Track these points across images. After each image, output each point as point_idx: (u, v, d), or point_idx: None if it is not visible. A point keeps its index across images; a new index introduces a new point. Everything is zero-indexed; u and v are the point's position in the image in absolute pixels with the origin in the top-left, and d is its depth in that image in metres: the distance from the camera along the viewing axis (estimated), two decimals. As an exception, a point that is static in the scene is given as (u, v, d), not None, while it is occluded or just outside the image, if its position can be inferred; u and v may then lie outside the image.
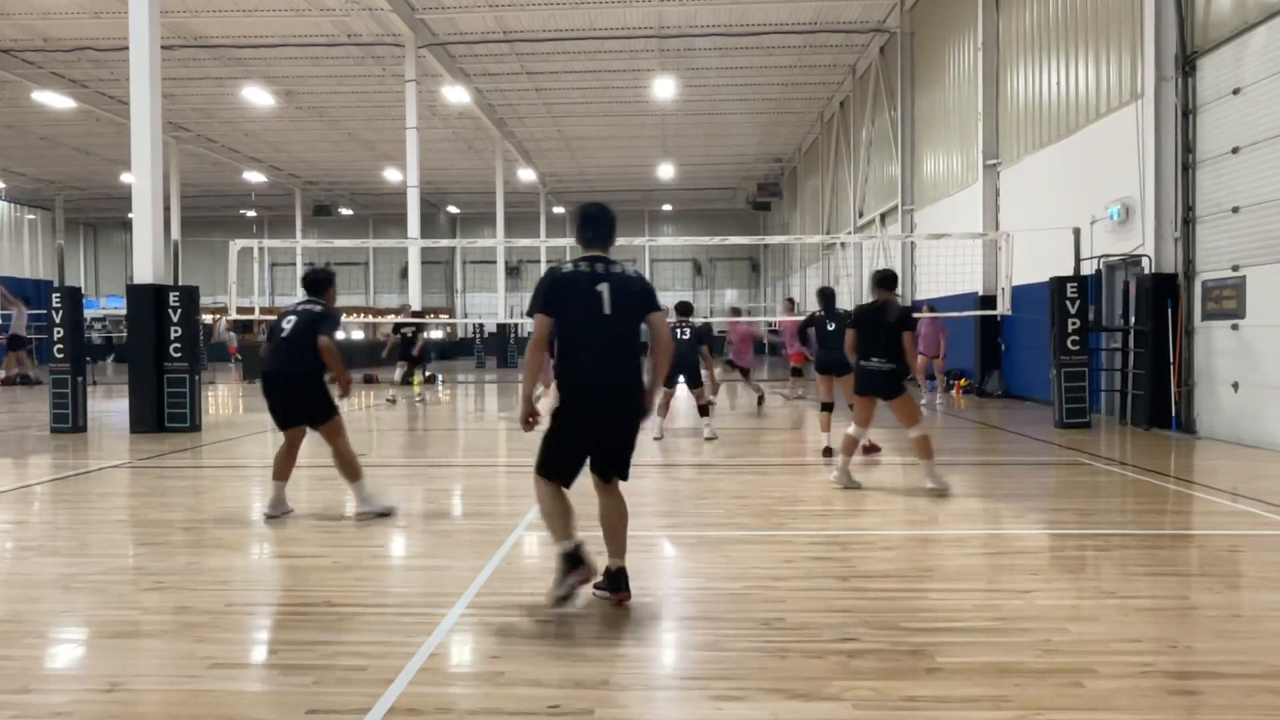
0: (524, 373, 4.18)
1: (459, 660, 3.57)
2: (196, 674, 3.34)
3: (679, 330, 10.72)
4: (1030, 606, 4.08)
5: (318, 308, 6.23)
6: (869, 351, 6.98)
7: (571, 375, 4.02)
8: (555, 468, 4.10)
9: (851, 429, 7.14)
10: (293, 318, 6.14)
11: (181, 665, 3.44)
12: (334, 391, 6.27)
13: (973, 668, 3.33)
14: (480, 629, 3.85)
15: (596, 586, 4.13)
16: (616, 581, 4.11)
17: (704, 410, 10.67)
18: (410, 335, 15.88)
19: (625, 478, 4.20)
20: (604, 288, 4.01)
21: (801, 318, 12.43)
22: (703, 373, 10.82)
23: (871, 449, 8.85)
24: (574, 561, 3.97)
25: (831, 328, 9.07)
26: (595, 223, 4.23)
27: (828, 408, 9.18)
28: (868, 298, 9.14)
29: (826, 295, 9.46)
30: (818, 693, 3.12)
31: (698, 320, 11.47)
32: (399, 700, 3.07)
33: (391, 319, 19.70)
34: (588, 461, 4.15)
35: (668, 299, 16.48)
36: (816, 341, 9.51)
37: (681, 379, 10.74)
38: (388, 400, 15.84)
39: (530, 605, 4.13)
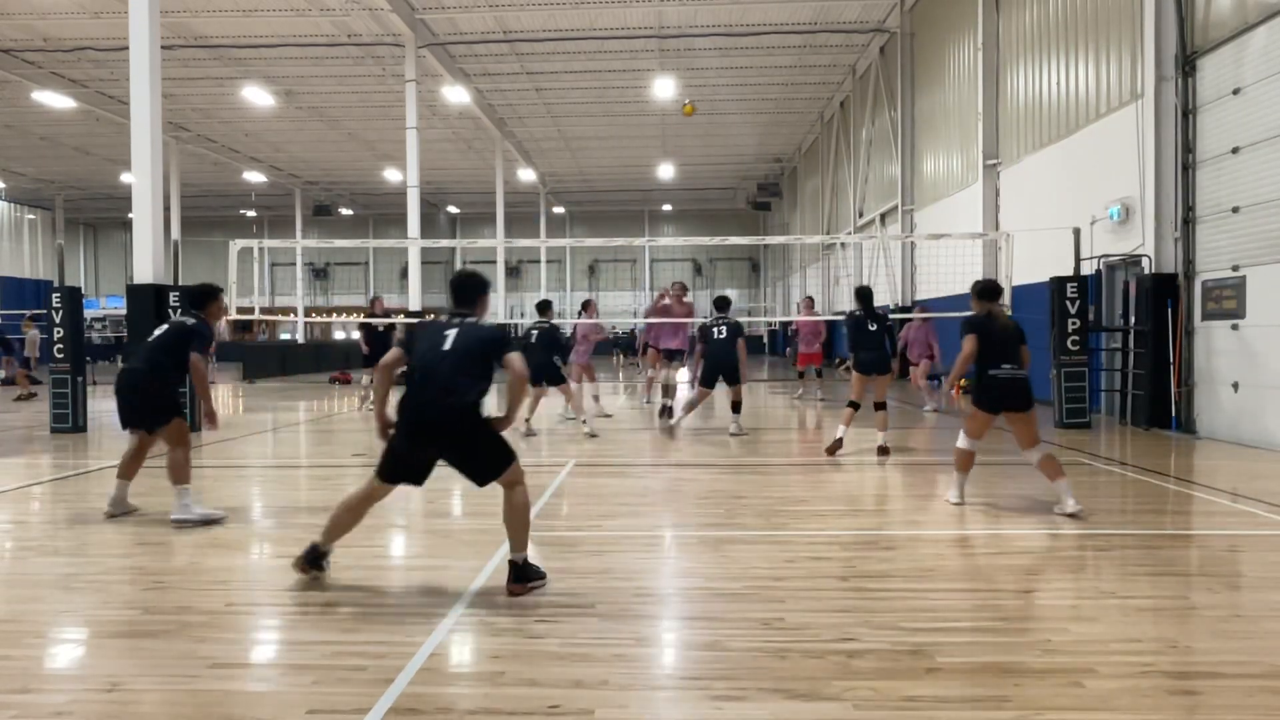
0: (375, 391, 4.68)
1: (459, 660, 3.57)
2: (196, 674, 3.34)
3: (716, 330, 10.56)
4: (1030, 606, 4.08)
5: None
6: (1000, 359, 6.21)
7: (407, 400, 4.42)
8: (384, 470, 4.51)
9: (966, 442, 6.44)
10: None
11: (181, 665, 3.44)
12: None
13: (973, 668, 3.33)
14: (480, 629, 3.85)
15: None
16: (514, 573, 4.36)
17: (735, 407, 10.72)
18: (382, 330, 14.78)
19: (487, 481, 4.45)
20: (451, 332, 4.47)
21: (820, 317, 12.53)
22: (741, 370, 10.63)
23: (883, 451, 8.87)
24: (312, 556, 4.54)
25: (873, 328, 8.87)
26: (456, 289, 4.71)
27: (855, 406, 9.04)
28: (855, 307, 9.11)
29: (865, 295, 9.16)
30: (818, 693, 3.12)
31: (738, 317, 11.37)
32: (399, 700, 3.07)
33: (357, 318, 19.54)
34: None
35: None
36: (854, 341, 9.06)
37: (721, 378, 10.57)
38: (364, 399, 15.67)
39: (530, 605, 4.13)
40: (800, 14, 20.86)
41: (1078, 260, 11.68)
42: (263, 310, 38.27)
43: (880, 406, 9.07)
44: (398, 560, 5.27)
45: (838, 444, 8.88)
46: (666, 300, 12.76)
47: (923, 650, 3.51)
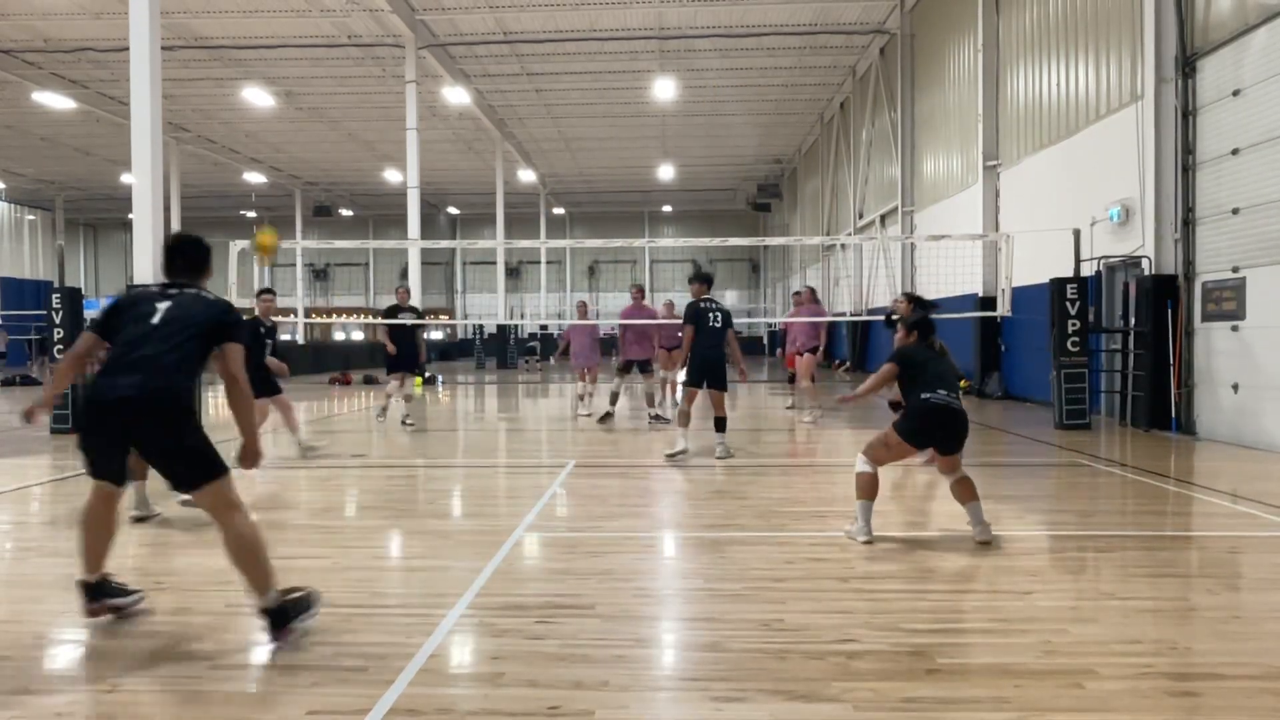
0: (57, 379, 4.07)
1: (459, 661, 3.57)
2: (196, 674, 3.34)
3: (712, 316, 8.92)
4: (1030, 608, 4.08)
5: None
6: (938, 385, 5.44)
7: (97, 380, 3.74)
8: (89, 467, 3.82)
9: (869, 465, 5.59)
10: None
11: (181, 665, 3.44)
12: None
13: (973, 669, 3.33)
14: (480, 629, 3.85)
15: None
16: (271, 619, 3.65)
17: (720, 424, 8.96)
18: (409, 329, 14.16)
19: (187, 490, 3.77)
20: (162, 305, 3.84)
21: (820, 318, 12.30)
22: (728, 369, 9.06)
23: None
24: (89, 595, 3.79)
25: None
26: (169, 254, 4.10)
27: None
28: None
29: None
30: (818, 693, 3.12)
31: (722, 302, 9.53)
32: (399, 700, 3.07)
33: (362, 318, 19.35)
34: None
35: (667, 299, 16.30)
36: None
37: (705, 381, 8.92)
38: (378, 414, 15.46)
39: (530, 605, 4.13)
40: (800, 15, 20.87)
41: (1078, 261, 11.69)
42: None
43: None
44: (398, 560, 5.27)
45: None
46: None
47: (923, 651, 3.51)
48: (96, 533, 3.83)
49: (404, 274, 30.60)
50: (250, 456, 3.89)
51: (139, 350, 3.68)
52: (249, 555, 3.70)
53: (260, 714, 3.00)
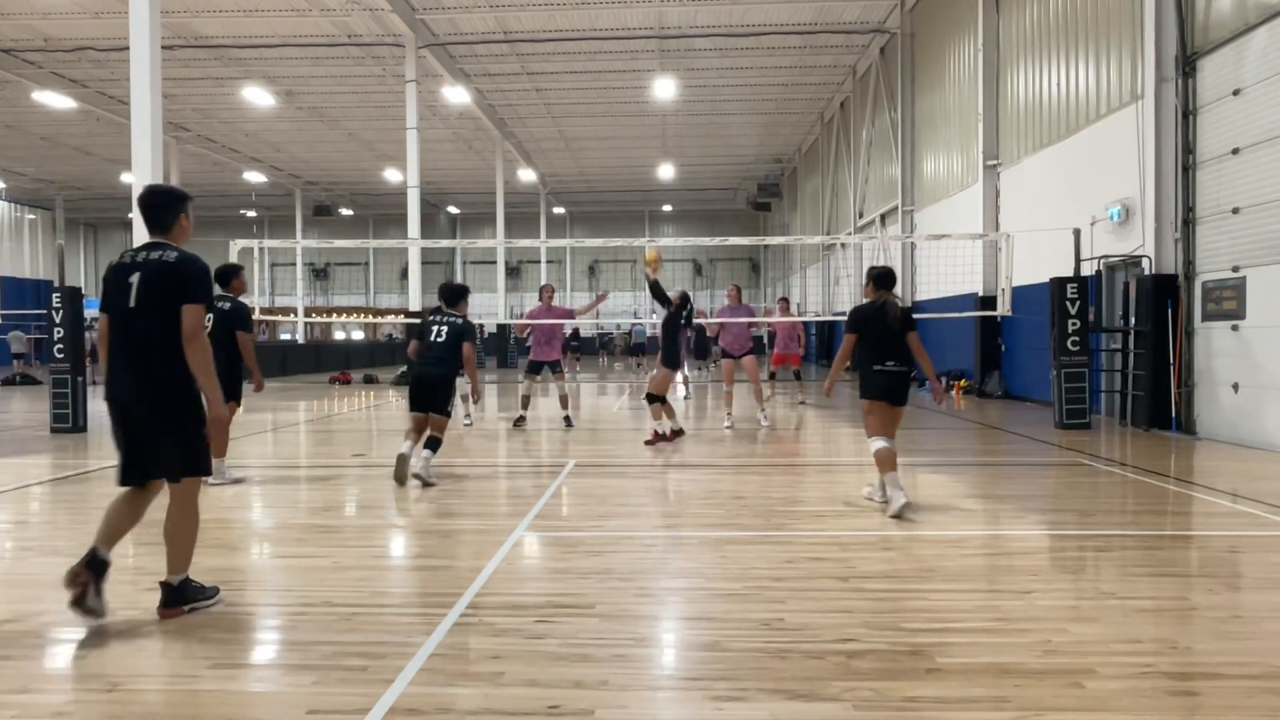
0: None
1: (459, 660, 3.56)
2: (196, 674, 3.34)
3: (683, 314, 9.91)
4: (1030, 607, 4.08)
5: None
6: (886, 356, 6.30)
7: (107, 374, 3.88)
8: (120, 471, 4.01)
9: (885, 442, 6.25)
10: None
11: (181, 665, 3.44)
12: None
13: (973, 668, 3.33)
14: (480, 629, 3.85)
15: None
16: (165, 595, 3.93)
17: (667, 435, 9.88)
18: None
19: (174, 479, 3.99)
20: (134, 278, 3.81)
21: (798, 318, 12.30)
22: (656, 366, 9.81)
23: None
24: (87, 562, 3.86)
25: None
26: (142, 207, 4.00)
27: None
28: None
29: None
30: (818, 693, 3.12)
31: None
32: (399, 700, 3.07)
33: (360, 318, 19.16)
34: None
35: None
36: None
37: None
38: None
39: (530, 605, 4.13)
40: (800, 14, 20.88)
41: (1078, 261, 11.69)
42: (263, 310, 38.26)
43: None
44: (398, 560, 5.27)
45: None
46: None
47: (923, 651, 3.51)
48: (123, 515, 4.05)
49: (404, 274, 30.72)
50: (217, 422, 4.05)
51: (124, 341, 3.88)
52: (175, 536, 4.04)
53: (260, 714, 3.00)
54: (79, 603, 3.80)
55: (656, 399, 9.84)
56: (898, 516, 5.94)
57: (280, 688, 3.22)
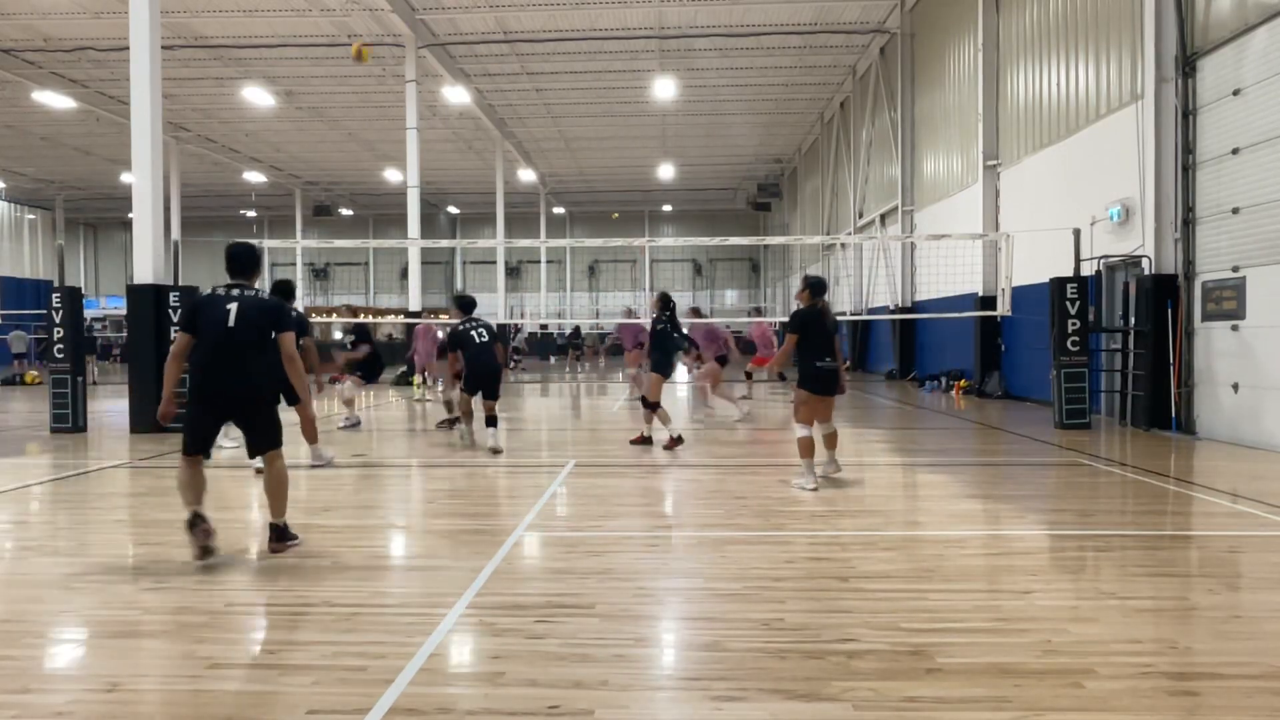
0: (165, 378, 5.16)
1: (459, 660, 3.57)
2: (196, 674, 3.34)
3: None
4: (1030, 607, 4.08)
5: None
6: (825, 354, 7.22)
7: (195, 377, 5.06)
8: (191, 444, 5.10)
9: (803, 430, 7.19)
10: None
11: (181, 665, 3.44)
12: None
13: (973, 668, 3.34)
14: (480, 629, 3.85)
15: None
16: (273, 533, 5.20)
17: (643, 402, 9.97)
18: (351, 345, 12.63)
19: (263, 452, 5.27)
20: (232, 307, 5.06)
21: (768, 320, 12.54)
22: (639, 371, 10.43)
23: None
24: (194, 522, 4.87)
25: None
26: (232, 260, 5.27)
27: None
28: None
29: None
30: (817, 693, 3.12)
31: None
32: (399, 700, 3.07)
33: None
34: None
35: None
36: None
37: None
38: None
39: (530, 605, 4.13)
40: (800, 14, 20.87)
41: (1078, 261, 11.69)
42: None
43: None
44: (398, 560, 5.27)
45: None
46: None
47: (923, 650, 3.51)
48: (198, 480, 5.03)
49: (404, 274, 30.70)
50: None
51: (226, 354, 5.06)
52: (275, 491, 5.24)
53: (260, 714, 3.00)
54: (208, 550, 4.85)
55: (650, 405, 9.75)
56: (801, 488, 6.99)
57: (280, 688, 3.22)
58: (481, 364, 9.46)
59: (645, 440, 9.81)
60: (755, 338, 16.37)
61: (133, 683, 3.28)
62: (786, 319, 7.79)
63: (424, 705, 3.04)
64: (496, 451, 9.26)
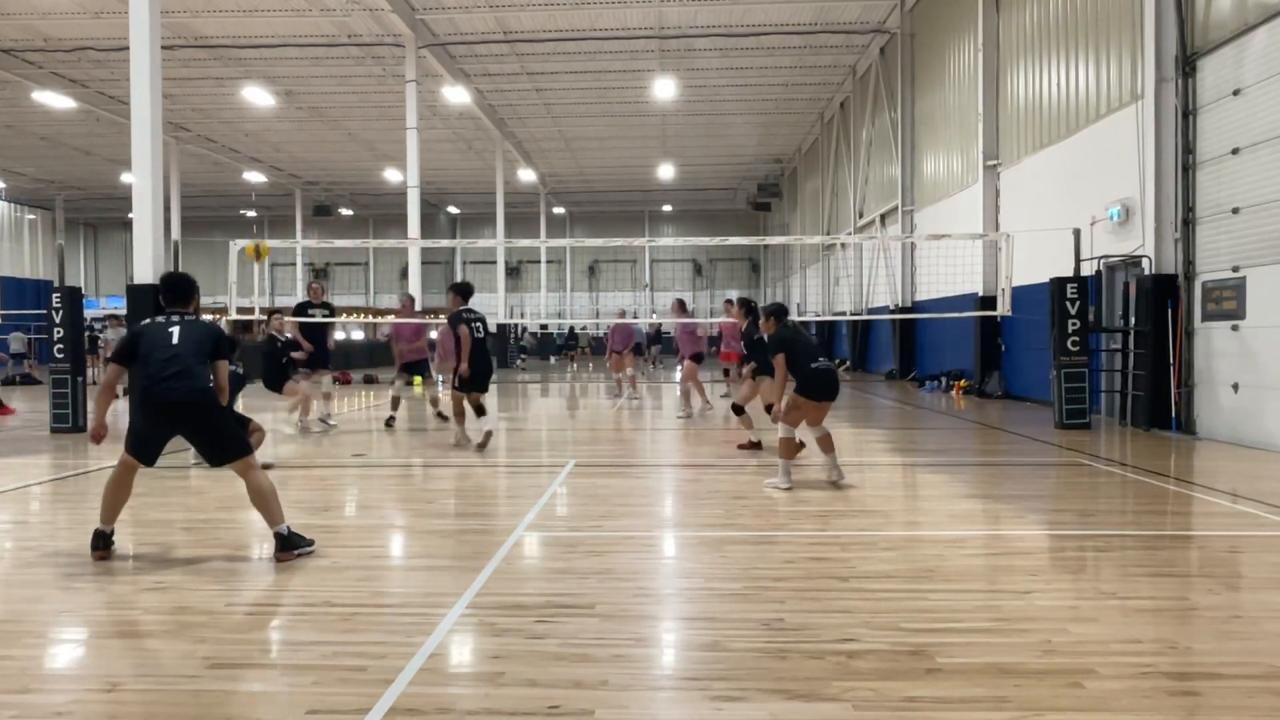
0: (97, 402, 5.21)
1: (459, 660, 3.57)
2: (196, 674, 3.34)
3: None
4: (1030, 607, 4.08)
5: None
6: (817, 356, 7.31)
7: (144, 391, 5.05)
8: (134, 445, 5.11)
9: (792, 434, 7.30)
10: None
11: (181, 665, 3.43)
12: None
13: (973, 668, 3.34)
14: (480, 629, 3.85)
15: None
16: (278, 543, 5.01)
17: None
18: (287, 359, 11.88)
19: (233, 459, 5.12)
20: (175, 329, 5.13)
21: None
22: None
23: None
24: (97, 543, 5.06)
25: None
26: (170, 289, 5.36)
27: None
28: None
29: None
30: (817, 693, 3.12)
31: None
32: (399, 700, 3.07)
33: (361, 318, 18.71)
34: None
35: (668, 299, 16.56)
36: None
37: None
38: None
39: (530, 605, 4.13)
40: (800, 14, 20.87)
41: (1078, 261, 11.68)
42: (262, 310, 38.21)
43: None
44: (398, 560, 5.27)
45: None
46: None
47: (923, 650, 3.51)
48: (127, 494, 5.15)
49: (404, 274, 30.71)
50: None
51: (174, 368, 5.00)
52: (265, 499, 5.07)
53: (260, 714, 3.00)
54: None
55: (739, 410, 9.89)
56: (775, 487, 7.08)
57: (280, 688, 3.22)
58: (474, 360, 9.55)
59: (754, 445, 9.54)
60: (724, 331, 16.19)
61: (133, 683, 3.28)
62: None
63: (424, 705, 3.04)
64: (488, 435, 9.58)
